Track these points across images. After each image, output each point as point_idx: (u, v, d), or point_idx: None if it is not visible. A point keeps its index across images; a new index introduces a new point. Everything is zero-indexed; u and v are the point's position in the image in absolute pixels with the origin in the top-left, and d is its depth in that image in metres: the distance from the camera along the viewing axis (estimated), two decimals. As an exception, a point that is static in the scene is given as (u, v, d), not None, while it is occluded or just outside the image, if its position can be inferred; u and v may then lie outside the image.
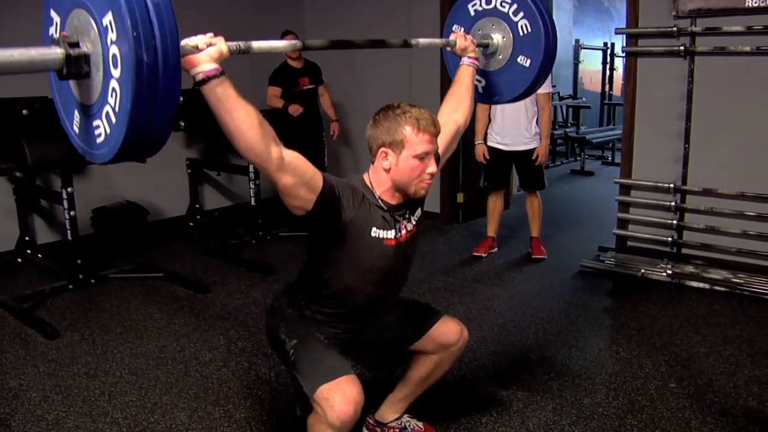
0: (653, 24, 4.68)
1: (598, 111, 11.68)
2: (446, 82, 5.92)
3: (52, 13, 1.60)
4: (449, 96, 2.55)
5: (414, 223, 2.31)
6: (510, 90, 2.72)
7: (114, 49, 1.38)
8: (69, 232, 4.50)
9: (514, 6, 2.60)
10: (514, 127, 4.99)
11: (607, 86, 11.70)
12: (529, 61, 2.60)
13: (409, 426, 2.67)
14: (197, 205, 6.13)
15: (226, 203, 6.62)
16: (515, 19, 2.61)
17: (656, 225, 4.89)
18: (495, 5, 2.66)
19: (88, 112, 1.55)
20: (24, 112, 4.48)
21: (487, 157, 5.09)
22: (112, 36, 1.38)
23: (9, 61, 1.34)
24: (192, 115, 5.72)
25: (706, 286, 4.38)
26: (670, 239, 4.79)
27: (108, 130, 1.48)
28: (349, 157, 7.19)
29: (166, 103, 1.42)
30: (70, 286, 4.48)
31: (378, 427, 2.69)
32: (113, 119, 1.45)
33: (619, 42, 10.73)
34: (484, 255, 5.29)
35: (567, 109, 11.34)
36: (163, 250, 5.47)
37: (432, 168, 2.14)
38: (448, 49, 2.63)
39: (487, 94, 2.78)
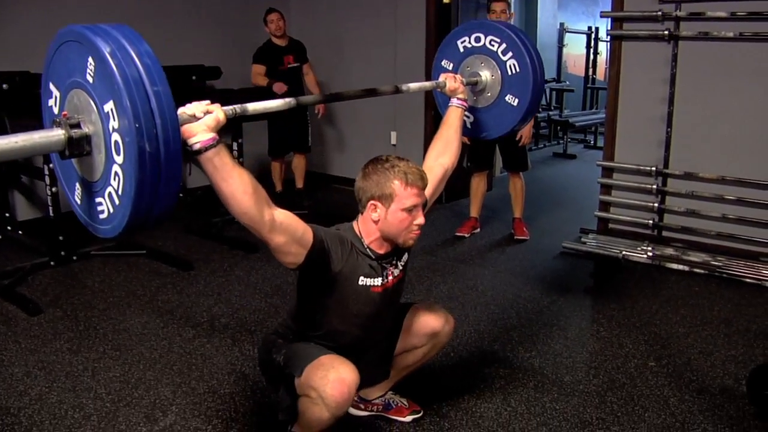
0: (638, 8, 4.69)
1: (581, 95, 11.71)
2: (430, 60, 5.94)
3: (51, 87, 1.61)
4: (437, 139, 2.57)
5: (401, 268, 2.36)
6: (498, 127, 2.79)
7: (116, 136, 1.40)
8: (50, 208, 4.46)
9: (503, 45, 2.65)
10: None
11: (590, 70, 11.72)
12: (517, 100, 2.66)
13: (393, 402, 2.70)
14: (180, 183, 6.08)
15: (208, 182, 6.57)
16: (504, 58, 2.66)
17: (638, 208, 4.93)
18: (484, 43, 2.71)
19: (90, 188, 1.57)
20: (4, 86, 4.42)
21: (472, 138, 5.10)
22: (113, 123, 1.40)
23: (13, 147, 1.36)
24: (175, 93, 5.67)
25: (686, 268, 4.43)
26: (651, 222, 4.84)
27: (111, 210, 1.51)
28: (333, 135, 7.17)
29: (169, 186, 1.45)
30: (52, 263, 4.45)
31: (362, 404, 2.71)
32: (116, 201, 1.48)
33: (603, 26, 10.74)
34: (466, 235, 5.31)
35: (550, 93, 11.35)
36: (145, 227, 5.43)
37: (420, 220, 2.19)
38: (438, 90, 2.65)
39: (475, 129, 2.83)
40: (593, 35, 11.56)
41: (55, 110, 1.60)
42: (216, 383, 2.98)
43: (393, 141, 6.59)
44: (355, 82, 6.69)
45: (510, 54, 2.64)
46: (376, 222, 2.19)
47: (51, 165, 4.39)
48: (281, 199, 5.52)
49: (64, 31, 1.50)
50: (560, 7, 11.74)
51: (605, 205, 5.13)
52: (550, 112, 10.58)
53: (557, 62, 11.76)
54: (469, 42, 2.75)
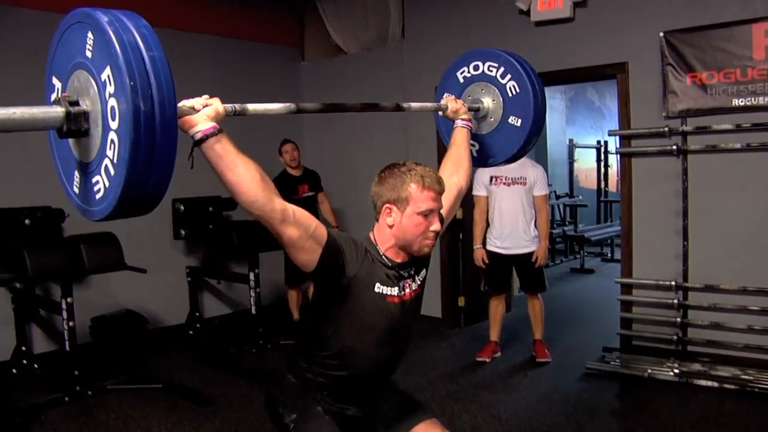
0: (645, 125, 4.80)
1: (594, 208, 11.78)
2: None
3: (54, 80, 1.66)
4: (447, 159, 2.56)
5: (419, 283, 2.30)
6: (504, 151, 2.76)
7: (112, 102, 1.43)
8: (67, 342, 4.45)
9: (502, 69, 2.68)
10: (513, 231, 5.02)
11: (602, 183, 11.84)
12: (520, 120, 2.66)
13: None
14: (197, 313, 6.08)
15: (226, 311, 6.58)
16: (503, 81, 2.68)
17: (660, 323, 4.84)
18: (482, 70, 2.73)
19: (87, 170, 1.58)
20: (26, 221, 4.52)
21: (487, 262, 5.09)
22: (110, 89, 1.43)
23: (11, 118, 1.39)
24: (192, 224, 5.76)
25: (715, 384, 4.29)
26: (675, 337, 4.73)
27: (107, 183, 1.51)
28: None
29: (163, 154, 1.45)
30: (66, 398, 4.38)
31: None
32: (112, 171, 1.48)
33: (612, 140, 10.92)
34: (487, 360, 5.20)
35: (564, 208, 11.44)
36: (162, 359, 5.38)
37: (436, 226, 2.15)
38: (440, 113, 2.67)
39: (482, 156, 2.81)
40: (602, 149, 11.76)
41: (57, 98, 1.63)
42: None
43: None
44: (369, 208, 6.76)
45: (509, 76, 2.65)
46: (390, 227, 2.16)
47: (69, 300, 4.42)
48: (298, 328, 5.45)
49: (67, 18, 1.55)
50: (568, 123, 11.99)
51: (627, 322, 5.05)
52: (565, 228, 10.60)
53: (569, 177, 11.90)
54: (468, 71, 2.77)
